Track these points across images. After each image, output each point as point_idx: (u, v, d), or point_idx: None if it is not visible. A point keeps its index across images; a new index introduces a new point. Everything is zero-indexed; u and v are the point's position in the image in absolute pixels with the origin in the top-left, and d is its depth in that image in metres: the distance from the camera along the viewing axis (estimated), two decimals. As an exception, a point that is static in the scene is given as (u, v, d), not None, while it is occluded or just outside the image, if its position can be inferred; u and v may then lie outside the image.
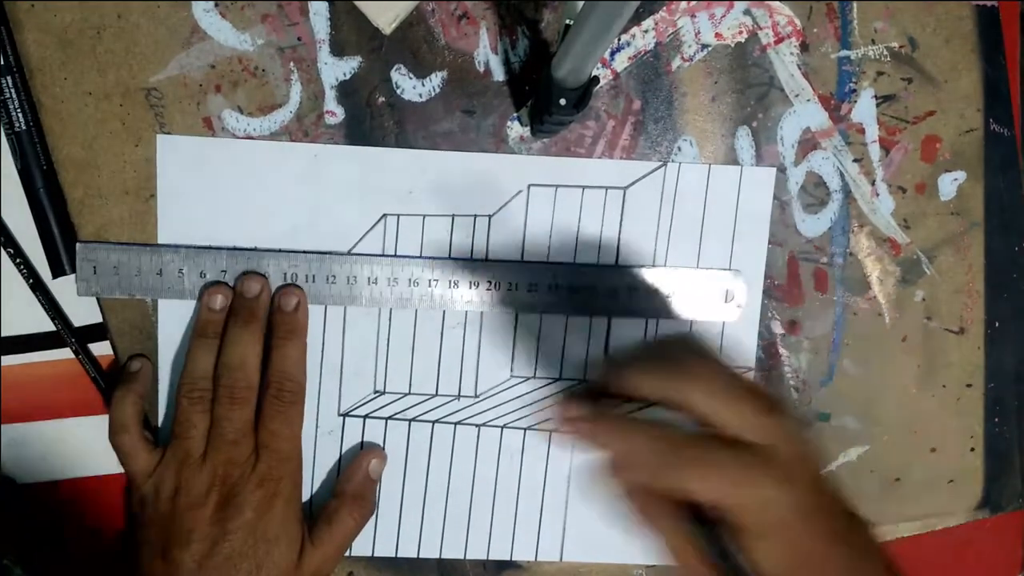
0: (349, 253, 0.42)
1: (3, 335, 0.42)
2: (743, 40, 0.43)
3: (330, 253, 0.42)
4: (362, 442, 0.43)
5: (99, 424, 0.42)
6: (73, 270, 0.41)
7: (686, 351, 0.34)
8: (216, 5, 0.40)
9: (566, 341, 0.43)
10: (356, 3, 0.40)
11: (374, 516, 0.43)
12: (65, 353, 0.42)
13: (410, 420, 0.43)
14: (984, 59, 0.44)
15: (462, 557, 0.44)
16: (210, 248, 0.41)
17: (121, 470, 0.41)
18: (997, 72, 0.44)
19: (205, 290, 0.40)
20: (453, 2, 0.41)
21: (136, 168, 0.41)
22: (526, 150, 0.42)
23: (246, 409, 0.39)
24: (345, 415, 0.43)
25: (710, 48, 0.43)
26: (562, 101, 0.36)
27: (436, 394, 0.43)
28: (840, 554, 0.31)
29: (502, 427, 0.43)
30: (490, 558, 0.44)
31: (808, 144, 0.43)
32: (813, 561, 0.30)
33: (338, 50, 0.41)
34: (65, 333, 0.42)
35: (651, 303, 0.43)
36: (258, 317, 0.40)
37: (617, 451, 0.31)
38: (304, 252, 0.41)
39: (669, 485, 0.29)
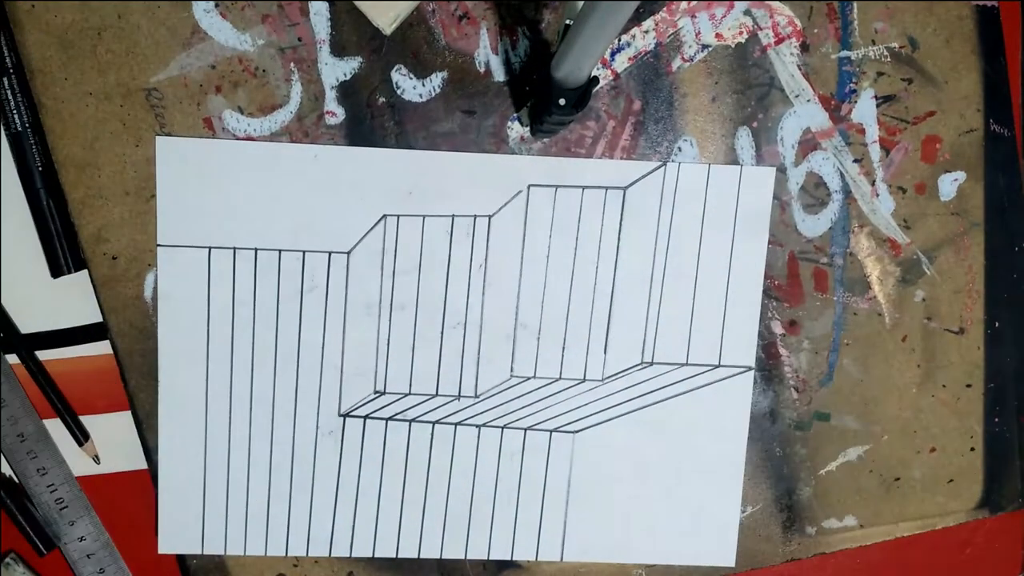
0: (349, 253, 0.42)
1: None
2: (743, 40, 0.43)
3: (330, 253, 0.42)
4: (362, 443, 0.43)
5: (92, 423, 0.42)
6: (72, 270, 0.41)
7: None
8: (216, 5, 0.40)
9: (566, 341, 0.43)
10: (356, 3, 0.40)
11: (375, 516, 0.43)
12: (62, 352, 0.42)
13: (410, 421, 0.43)
14: (984, 59, 0.44)
15: (463, 557, 0.44)
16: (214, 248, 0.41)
17: (112, 470, 0.42)
18: (997, 72, 0.44)
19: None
20: (453, 2, 0.41)
21: (136, 168, 0.41)
22: (526, 150, 0.42)
23: None
24: (345, 415, 0.43)
25: (710, 48, 0.43)
26: (562, 101, 0.36)
27: (436, 394, 0.43)
28: None
29: (502, 427, 0.43)
30: (490, 558, 0.44)
31: (808, 144, 0.44)
32: None
33: (338, 50, 0.41)
34: (14, 340, 0.42)
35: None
36: None
37: None
38: (304, 252, 0.41)
39: None
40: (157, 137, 0.40)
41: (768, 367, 0.44)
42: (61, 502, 0.43)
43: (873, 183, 0.44)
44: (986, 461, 0.46)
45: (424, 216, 0.42)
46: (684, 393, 0.44)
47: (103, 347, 0.42)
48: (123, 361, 0.42)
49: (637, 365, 0.43)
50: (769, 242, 0.44)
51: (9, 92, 0.40)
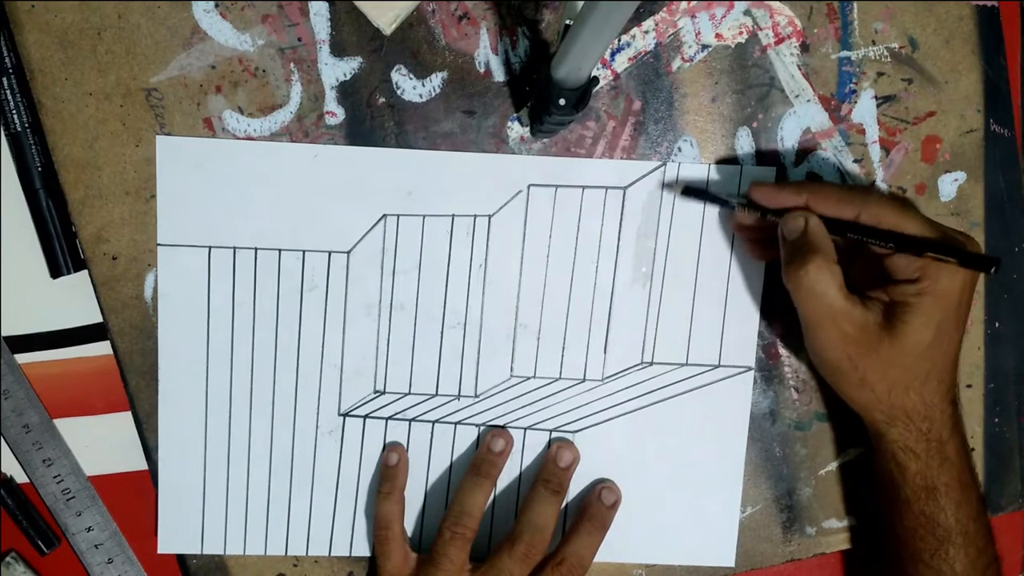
0: (349, 253, 0.42)
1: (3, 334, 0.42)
2: (743, 41, 0.43)
3: (330, 252, 0.42)
4: (362, 442, 0.43)
5: (92, 423, 0.43)
6: (72, 270, 0.41)
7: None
8: (216, 6, 0.40)
9: (566, 341, 0.43)
10: (356, 3, 0.40)
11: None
12: (62, 353, 0.42)
13: (410, 420, 0.43)
14: (984, 59, 0.44)
15: (462, 557, 0.44)
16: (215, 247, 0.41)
17: (112, 470, 0.42)
18: (997, 72, 0.44)
19: (487, 432, 0.43)
20: (453, 2, 0.41)
21: (136, 168, 0.41)
22: (526, 150, 0.42)
23: (527, 571, 0.41)
24: (345, 415, 0.43)
25: (710, 49, 0.43)
26: (562, 101, 0.36)
27: (436, 394, 0.43)
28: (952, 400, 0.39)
29: (502, 427, 0.43)
30: (490, 558, 0.44)
31: (808, 144, 0.43)
32: (943, 357, 0.37)
33: (338, 51, 0.41)
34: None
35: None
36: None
37: (810, 193, 0.38)
38: (304, 251, 0.41)
39: (868, 215, 0.37)
40: (157, 137, 0.40)
41: (768, 367, 0.44)
42: (68, 492, 0.42)
43: (873, 183, 0.44)
44: (986, 461, 0.46)
45: (424, 216, 0.42)
46: (684, 393, 0.44)
47: (103, 347, 0.42)
48: (123, 361, 0.42)
49: (637, 365, 0.43)
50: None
51: (9, 92, 0.40)
